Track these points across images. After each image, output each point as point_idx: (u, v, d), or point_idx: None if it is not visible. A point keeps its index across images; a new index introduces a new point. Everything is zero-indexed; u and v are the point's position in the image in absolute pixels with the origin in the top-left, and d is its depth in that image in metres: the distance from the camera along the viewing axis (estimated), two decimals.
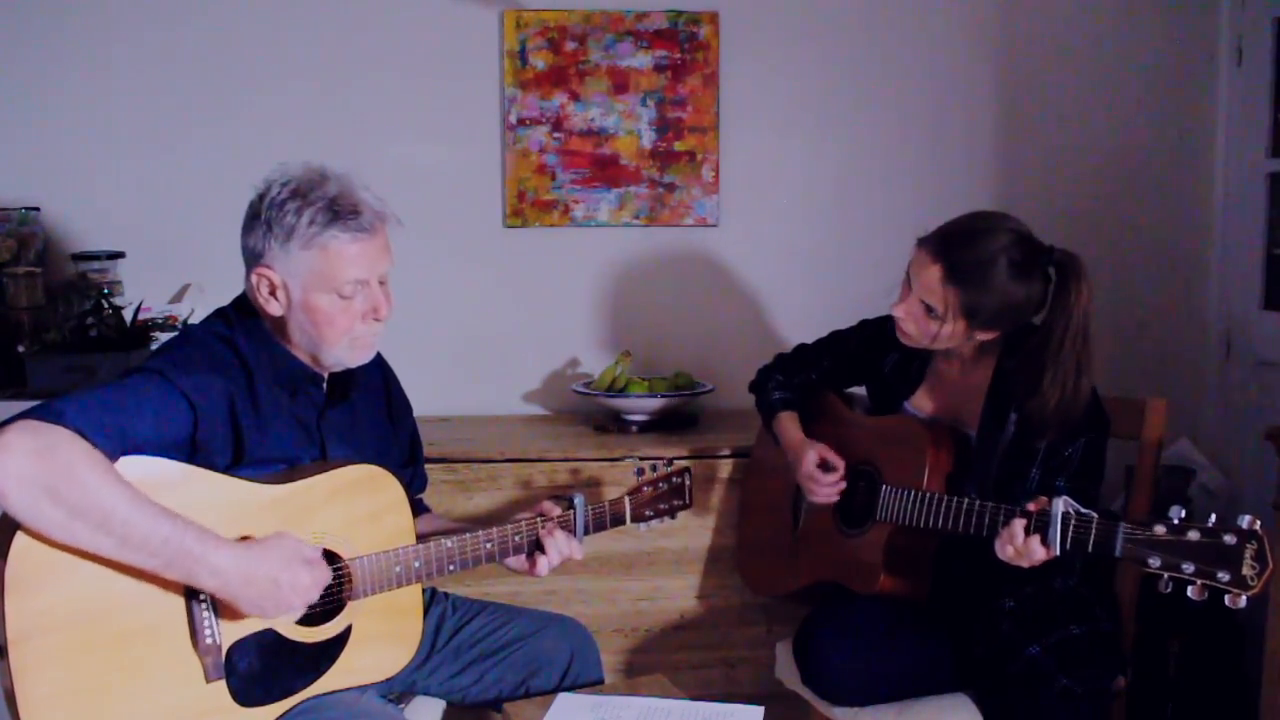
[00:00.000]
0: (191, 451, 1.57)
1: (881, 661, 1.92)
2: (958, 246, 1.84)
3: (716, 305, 2.96)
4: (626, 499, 2.00)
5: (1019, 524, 1.69)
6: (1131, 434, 2.07)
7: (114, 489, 1.42)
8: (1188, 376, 3.01)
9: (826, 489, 2.04)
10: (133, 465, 1.48)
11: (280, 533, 1.56)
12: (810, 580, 2.15)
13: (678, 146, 2.90)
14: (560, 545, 1.84)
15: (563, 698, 1.80)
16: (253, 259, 1.66)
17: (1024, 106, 2.95)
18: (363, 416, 1.84)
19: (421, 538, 1.75)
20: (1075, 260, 1.83)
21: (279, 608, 1.53)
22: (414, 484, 1.97)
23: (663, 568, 2.51)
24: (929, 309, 1.88)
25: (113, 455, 1.45)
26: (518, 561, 1.86)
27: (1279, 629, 1.96)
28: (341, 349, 1.70)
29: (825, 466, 2.07)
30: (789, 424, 2.18)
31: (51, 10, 2.74)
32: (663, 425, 2.67)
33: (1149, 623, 2.40)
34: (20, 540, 1.41)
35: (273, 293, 1.66)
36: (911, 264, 1.91)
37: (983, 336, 1.91)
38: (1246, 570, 1.49)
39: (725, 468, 2.50)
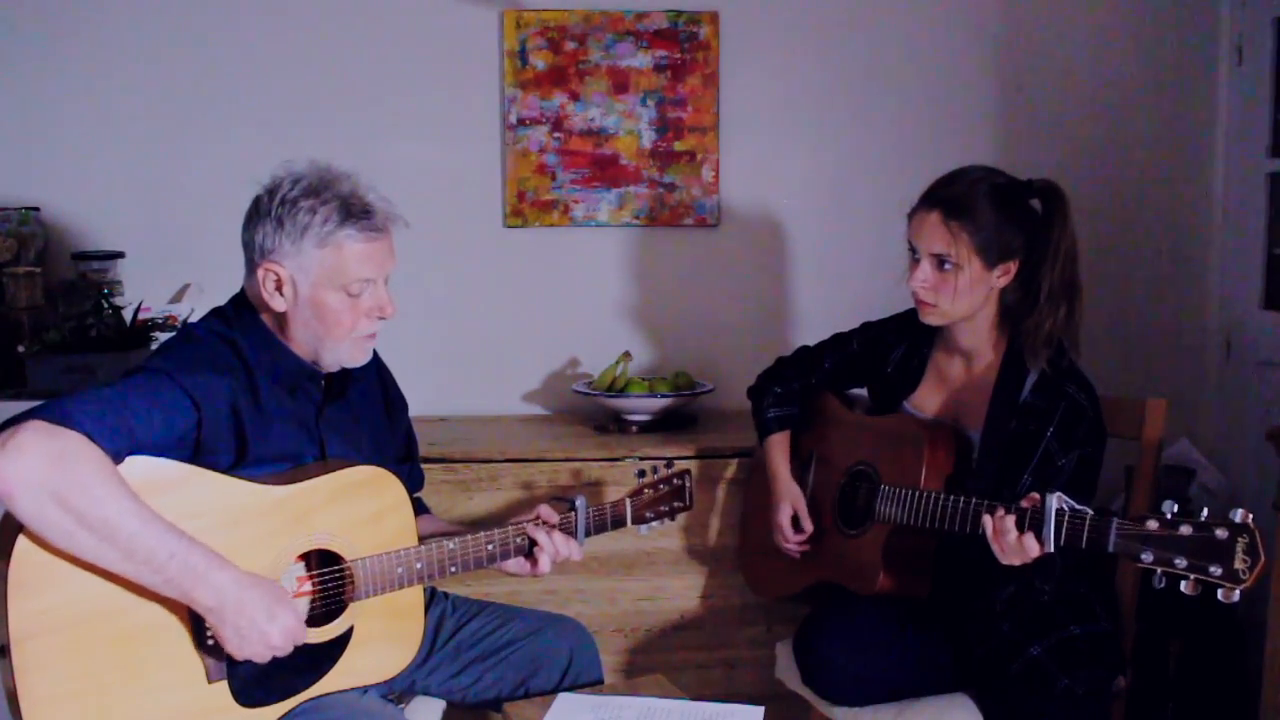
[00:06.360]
0: (195, 451, 1.57)
1: (882, 661, 1.92)
2: (942, 187, 1.95)
3: (716, 305, 2.96)
4: (627, 500, 2.00)
5: (1009, 520, 1.69)
6: (1131, 434, 2.07)
7: (122, 501, 1.42)
8: (1188, 376, 3.01)
9: (789, 546, 2.14)
10: (136, 466, 1.48)
11: (270, 579, 1.57)
12: (811, 581, 2.15)
13: (678, 146, 2.90)
14: (559, 543, 1.84)
15: (563, 698, 1.81)
16: (260, 254, 1.66)
17: (1023, 106, 2.95)
18: (360, 413, 1.85)
19: (422, 539, 1.76)
20: (1055, 187, 1.93)
21: (260, 643, 1.52)
22: (410, 481, 1.97)
23: (663, 568, 2.52)
24: (942, 263, 1.90)
25: (119, 456, 1.45)
26: (517, 564, 1.86)
27: (1279, 629, 1.96)
28: (344, 347, 1.72)
29: (797, 522, 2.13)
30: (777, 451, 2.21)
31: (51, 11, 2.73)
32: (663, 425, 2.67)
33: (1149, 623, 2.40)
34: (23, 541, 1.42)
35: (279, 288, 1.67)
36: (911, 231, 1.96)
37: (1001, 280, 1.92)
38: (1238, 564, 1.49)
39: (725, 468, 2.50)
